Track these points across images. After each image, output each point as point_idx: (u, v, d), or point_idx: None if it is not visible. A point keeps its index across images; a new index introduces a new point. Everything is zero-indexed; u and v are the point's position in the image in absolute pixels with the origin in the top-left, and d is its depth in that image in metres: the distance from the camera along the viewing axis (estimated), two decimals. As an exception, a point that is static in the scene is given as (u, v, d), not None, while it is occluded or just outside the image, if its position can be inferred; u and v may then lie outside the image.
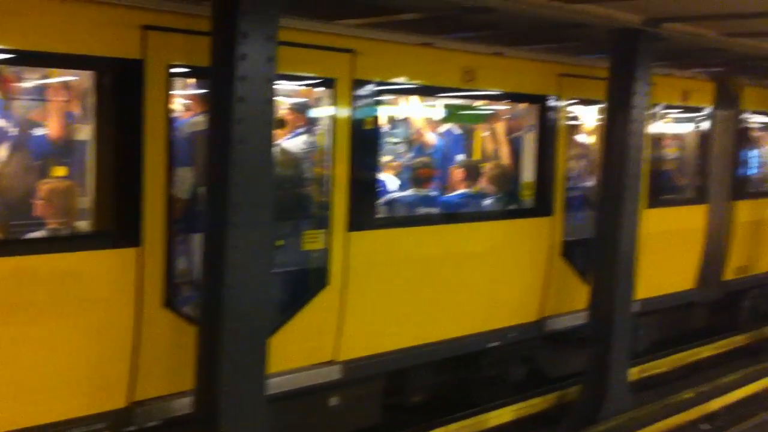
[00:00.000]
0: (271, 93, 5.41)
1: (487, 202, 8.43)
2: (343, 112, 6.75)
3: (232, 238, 5.27)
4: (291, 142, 6.90)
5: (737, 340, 11.81)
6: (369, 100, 6.95)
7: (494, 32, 8.45)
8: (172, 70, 5.70)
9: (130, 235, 5.54)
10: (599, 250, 8.46)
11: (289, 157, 6.80)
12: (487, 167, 8.60)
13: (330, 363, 6.88)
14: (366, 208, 7.06)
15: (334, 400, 7.04)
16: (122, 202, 5.57)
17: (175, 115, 6.06)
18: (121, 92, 5.49)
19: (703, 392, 9.39)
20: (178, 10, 5.70)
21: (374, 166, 7.21)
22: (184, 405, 5.82)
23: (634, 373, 9.64)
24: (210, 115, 5.49)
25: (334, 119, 6.71)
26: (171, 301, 5.79)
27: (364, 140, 6.95)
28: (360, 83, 6.84)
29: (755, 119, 11.72)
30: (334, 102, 6.71)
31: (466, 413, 8.22)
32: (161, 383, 5.84)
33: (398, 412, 8.00)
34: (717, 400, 9.30)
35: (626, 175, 8.19)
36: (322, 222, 6.76)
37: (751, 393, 9.79)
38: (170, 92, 5.73)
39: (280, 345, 6.32)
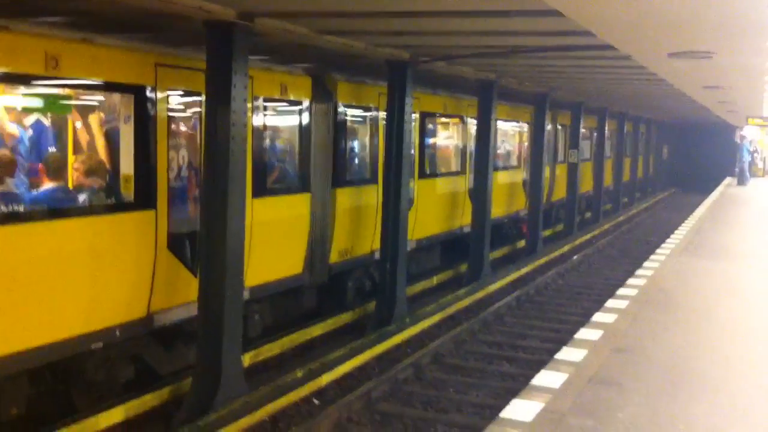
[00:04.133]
0: None
1: (81, 196, 7.97)
2: None
3: None
4: None
5: (344, 318, 12.59)
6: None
7: (82, 18, 8.02)
8: None
9: None
10: (207, 241, 8.47)
11: None
12: (80, 160, 8.13)
13: None
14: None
15: None
16: None
17: None
18: None
19: (313, 369, 9.82)
20: None
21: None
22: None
23: (248, 358, 9.82)
24: None
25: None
26: None
27: None
28: None
29: (350, 112, 12.57)
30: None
31: (72, 419, 7.74)
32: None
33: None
34: (326, 375, 9.80)
35: (231, 165, 8.28)
36: None
37: (357, 365, 10.48)
38: None
39: None
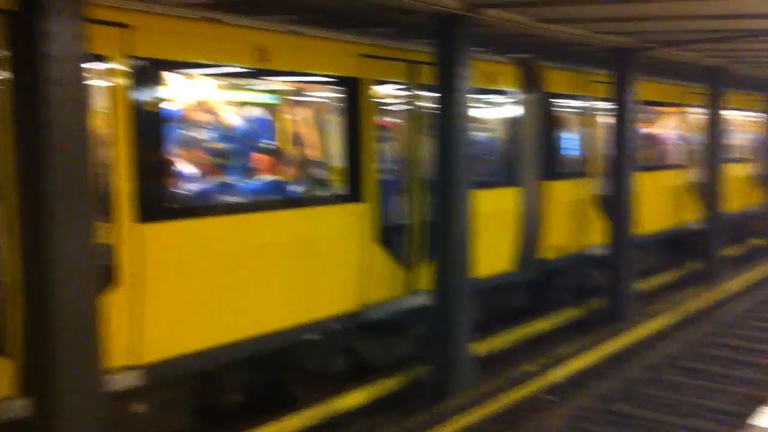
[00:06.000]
0: (81, 73, 5.11)
1: (294, 188, 8.00)
2: (117, 92, 6.12)
3: (51, 231, 4.99)
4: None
5: (572, 314, 12.02)
6: (149, 80, 6.35)
7: (295, 11, 8.12)
8: None
9: None
10: (438, 232, 8.57)
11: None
12: (292, 152, 8.19)
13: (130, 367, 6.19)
14: (159, 198, 6.46)
15: (138, 407, 6.34)
16: None
17: None
18: None
19: (545, 364, 9.54)
20: None
21: (164, 152, 6.60)
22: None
23: (477, 348, 9.56)
24: (18, 97, 5.14)
25: (113, 99, 6.07)
26: None
27: (149, 123, 6.33)
28: (137, 60, 6.24)
29: (560, 102, 11.94)
30: (109, 81, 6.08)
31: (315, 399, 7.92)
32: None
33: (217, 412, 7.46)
34: (558, 371, 9.49)
35: (455, 157, 8.34)
36: (105, 214, 6.04)
37: (589, 362, 10.05)
38: None
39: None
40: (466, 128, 8.53)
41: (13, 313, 5.39)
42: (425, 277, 9.04)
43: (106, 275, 5.96)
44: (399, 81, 8.93)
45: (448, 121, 8.32)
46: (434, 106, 8.51)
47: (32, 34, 4.90)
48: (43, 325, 5.08)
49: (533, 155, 11.17)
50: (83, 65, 5.13)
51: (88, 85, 5.34)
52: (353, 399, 8.27)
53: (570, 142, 12.42)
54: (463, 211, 8.52)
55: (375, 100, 8.60)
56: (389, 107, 9.24)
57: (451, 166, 8.36)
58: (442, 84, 8.37)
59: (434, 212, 8.63)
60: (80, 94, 5.12)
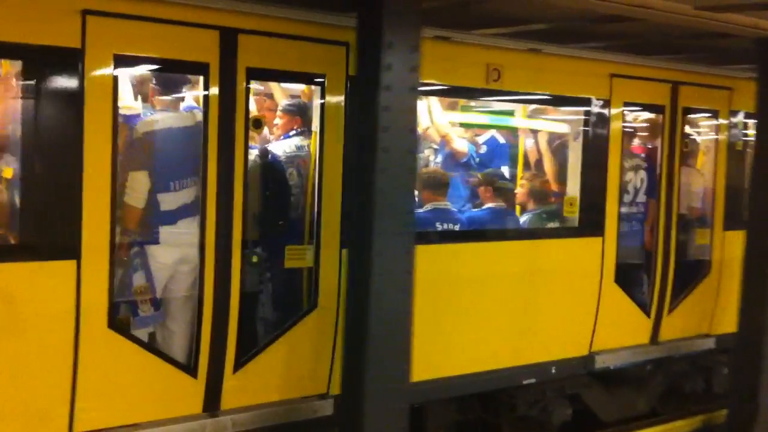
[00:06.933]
0: (415, 101, 5.38)
1: (522, 218, 7.48)
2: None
3: (377, 245, 5.24)
4: (279, 145, 6.22)
5: None
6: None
7: (626, 42, 7.60)
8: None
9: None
10: (747, 269, 7.77)
11: (269, 160, 6.09)
12: (522, 179, 7.63)
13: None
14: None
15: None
16: None
17: (125, 113, 5.43)
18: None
19: None
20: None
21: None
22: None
23: None
24: (358, 123, 5.53)
25: (322, 116, 5.93)
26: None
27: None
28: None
29: None
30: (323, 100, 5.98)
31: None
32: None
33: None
34: None
35: None
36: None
37: None
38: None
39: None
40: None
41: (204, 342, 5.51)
42: (671, 325, 8.15)
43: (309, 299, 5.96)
44: (654, 103, 8.09)
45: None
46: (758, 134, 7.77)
47: (372, 66, 5.18)
48: (360, 334, 5.38)
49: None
50: (416, 94, 5.34)
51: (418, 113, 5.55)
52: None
53: None
54: None
55: (624, 123, 7.85)
56: (641, 132, 8.39)
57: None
58: (762, 111, 7.63)
59: (747, 248, 7.74)
60: (413, 122, 5.38)
